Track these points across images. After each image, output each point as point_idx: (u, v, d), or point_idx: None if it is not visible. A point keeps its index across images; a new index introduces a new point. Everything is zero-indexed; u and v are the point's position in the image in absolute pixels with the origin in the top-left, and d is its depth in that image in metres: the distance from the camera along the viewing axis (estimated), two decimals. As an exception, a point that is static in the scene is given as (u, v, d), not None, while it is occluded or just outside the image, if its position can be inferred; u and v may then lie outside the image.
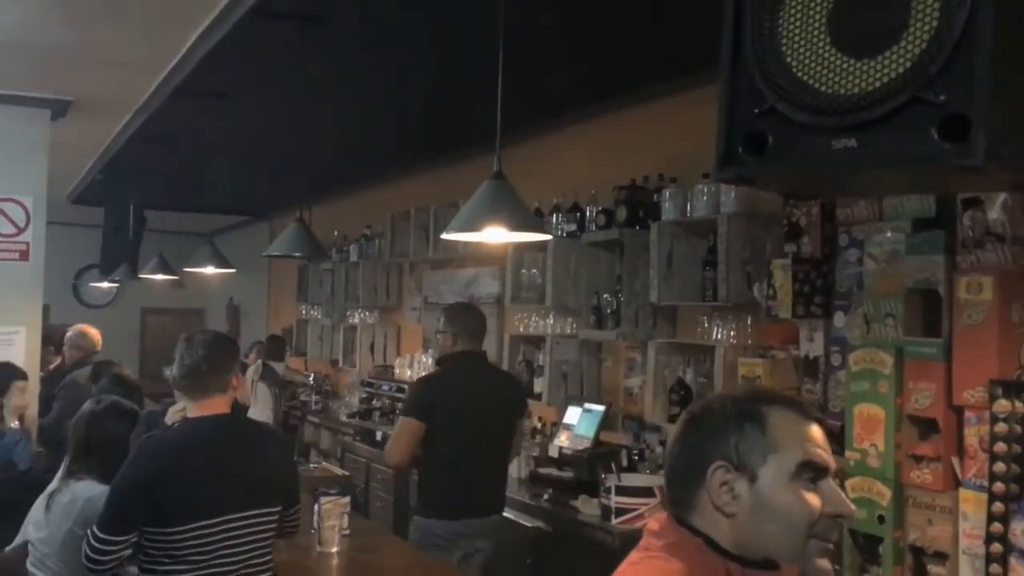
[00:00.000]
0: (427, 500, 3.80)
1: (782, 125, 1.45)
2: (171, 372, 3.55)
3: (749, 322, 3.87)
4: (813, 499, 1.25)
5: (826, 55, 1.40)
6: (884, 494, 2.84)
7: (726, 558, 1.25)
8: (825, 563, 1.28)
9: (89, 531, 2.67)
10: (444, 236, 2.65)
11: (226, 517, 2.69)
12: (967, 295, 2.70)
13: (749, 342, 3.85)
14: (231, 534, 2.71)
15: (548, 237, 2.64)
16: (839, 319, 3.21)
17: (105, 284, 10.59)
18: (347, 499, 3.39)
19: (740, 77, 1.49)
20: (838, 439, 3.09)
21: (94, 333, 6.47)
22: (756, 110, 1.47)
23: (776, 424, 1.28)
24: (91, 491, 3.00)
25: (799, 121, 1.42)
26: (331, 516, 3.21)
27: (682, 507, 1.30)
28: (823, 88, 1.40)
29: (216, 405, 2.81)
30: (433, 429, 3.71)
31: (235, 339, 3.75)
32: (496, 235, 2.65)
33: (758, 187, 1.51)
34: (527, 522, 4.33)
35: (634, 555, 1.30)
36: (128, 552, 2.68)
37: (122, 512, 2.69)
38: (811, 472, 1.26)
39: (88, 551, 2.66)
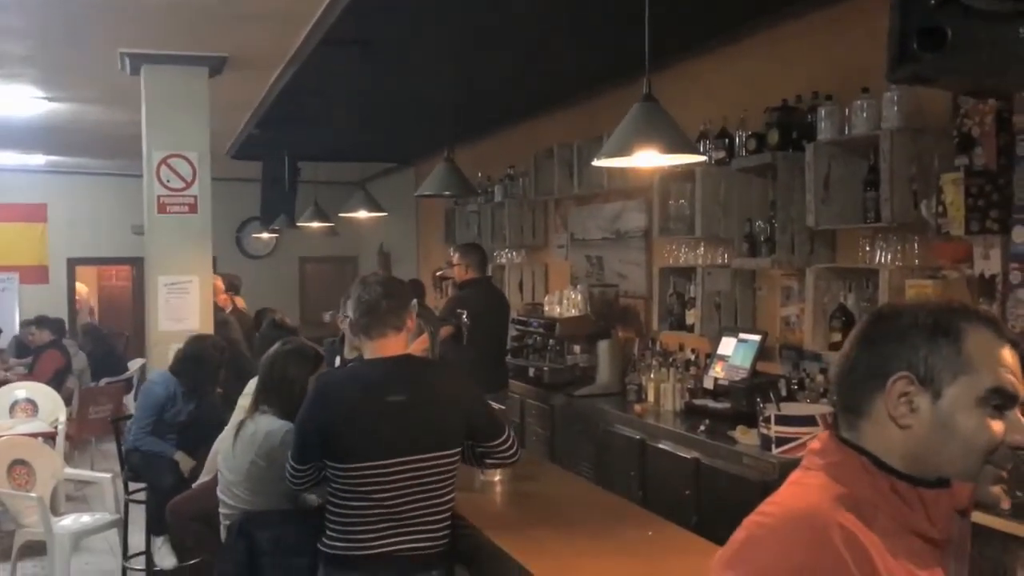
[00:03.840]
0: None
1: (962, 16, 1.35)
2: (341, 315, 3.70)
3: (916, 242, 3.68)
4: (997, 426, 1.19)
5: (1013, -66, 1.29)
6: (1072, 417, 2.67)
7: (893, 476, 1.20)
8: (999, 490, 1.22)
9: (288, 458, 2.91)
10: (595, 163, 2.61)
11: (402, 459, 2.76)
12: None
13: (916, 263, 3.67)
14: (408, 474, 2.77)
15: (703, 159, 2.56)
16: (1018, 234, 3.02)
17: (265, 235, 11.08)
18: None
19: (914, -32, 1.39)
20: (1019, 362, 2.93)
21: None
22: (932, 2, 1.37)
23: (973, 344, 1.20)
24: (271, 425, 3.19)
25: (982, 9, 1.32)
26: (492, 446, 3.29)
27: (853, 412, 1.24)
28: (1010, -29, 1.29)
29: (391, 345, 2.87)
30: (461, 330, 5.23)
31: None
32: (648, 159, 2.59)
33: (937, 86, 1.42)
34: (684, 453, 4.32)
35: (795, 474, 1.27)
36: (316, 475, 2.88)
37: (302, 444, 2.87)
38: (999, 399, 1.19)
39: (287, 476, 2.92)
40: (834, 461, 1.23)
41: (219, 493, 3.25)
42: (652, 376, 5.11)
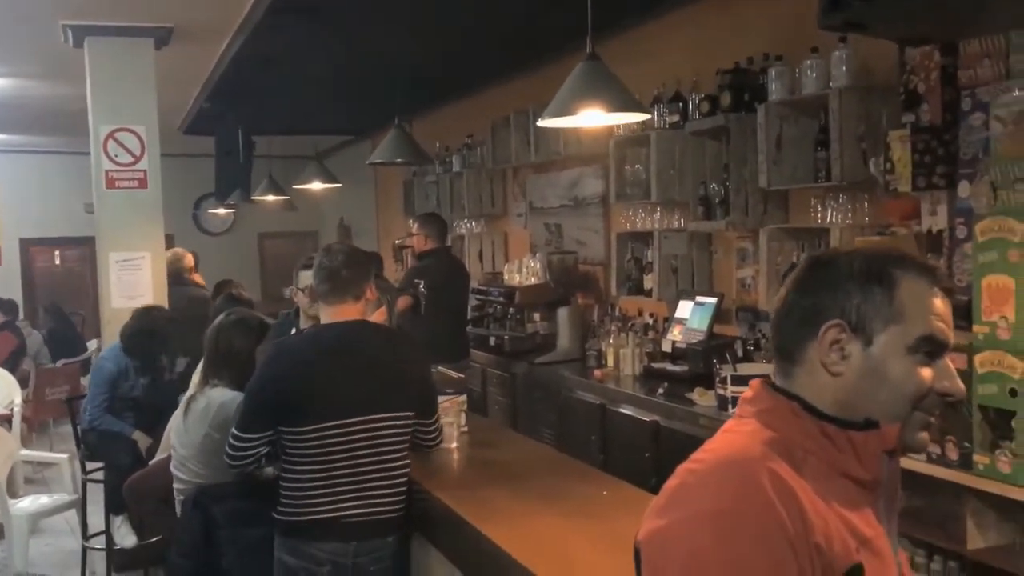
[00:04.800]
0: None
1: (893, -38, 1.34)
2: (294, 287, 3.67)
3: (866, 201, 3.71)
4: (926, 373, 1.20)
5: None
6: (1016, 367, 2.71)
7: (823, 420, 1.20)
8: (926, 436, 1.23)
9: (230, 432, 2.83)
10: (540, 123, 2.59)
11: (356, 419, 2.78)
12: (1106, 151, 2.51)
13: (867, 221, 3.70)
14: (362, 436, 2.79)
15: (647, 116, 2.53)
16: (964, 189, 3.04)
17: (222, 211, 10.94)
18: (463, 398, 3.47)
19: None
20: (964, 314, 2.96)
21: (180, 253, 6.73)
22: (863, -52, 1.36)
23: (905, 292, 1.20)
24: (223, 397, 3.16)
25: (912, -45, 1.31)
26: (448, 414, 3.29)
27: (786, 359, 1.25)
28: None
29: (349, 312, 2.90)
30: (419, 300, 5.22)
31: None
32: (593, 118, 2.58)
33: (870, 33, 1.41)
34: (644, 416, 4.34)
35: (728, 423, 1.28)
36: (265, 450, 2.81)
37: (254, 411, 2.83)
38: (929, 346, 1.20)
39: (227, 448, 2.83)
40: (765, 408, 1.23)
41: (173, 469, 3.22)
42: (611, 341, 5.13)
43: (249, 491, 3.06)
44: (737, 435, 1.22)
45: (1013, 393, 2.72)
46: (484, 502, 2.68)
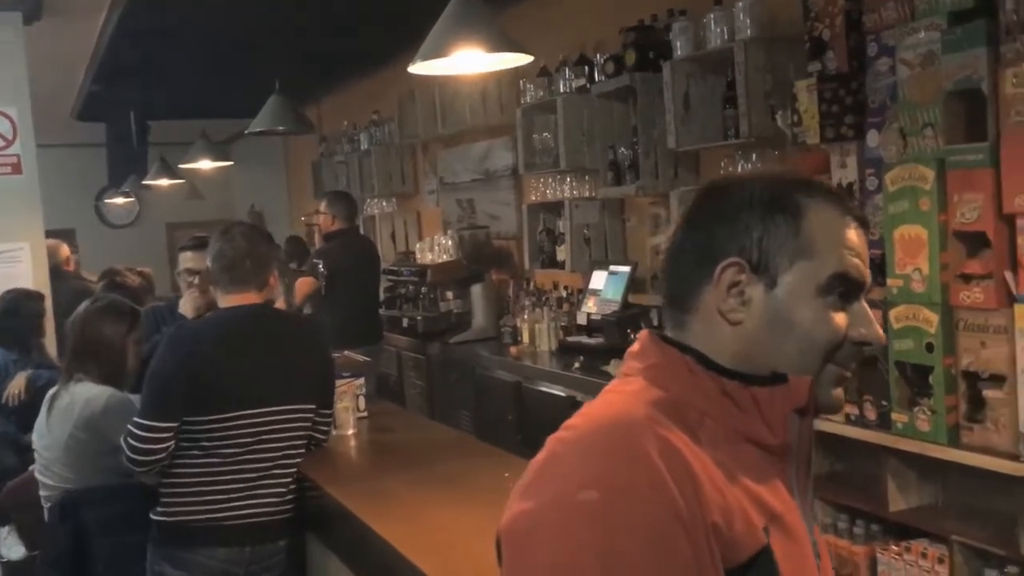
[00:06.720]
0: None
1: None
2: (180, 268, 3.40)
3: (776, 157, 3.57)
4: (840, 319, 1.00)
5: None
6: (931, 320, 2.61)
7: (723, 375, 1.00)
8: (840, 392, 1.04)
9: (129, 425, 2.52)
10: (411, 69, 2.35)
11: (262, 410, 2.58)
12: (1014, 88, 2.39)
13: (777, 178, 3.57)
14: (266, 428, 2.59)
15: (530, 59, 2.29)
16: (872, 138, 2.91)
17: (120, 200, 10.45)
18: (360, 381, 3.25)
19: None
20: (879, 268, 2.85)
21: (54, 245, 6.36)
22: None
23: (814, 222, 1.00)
24: (89, 392, 2.88)
25: None
26: (344, 398, 3.06)
27: (678, 307, 1.04)
28: None
29: (250, 299, 2.69)
30: (322, 281, 5.10)
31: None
32: (472, 61, 2.34)
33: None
34: (560, 392, 4.18)
35: (613, 383, 1.07)
36: (171, 446, 2.52)
37: (163, 396, 2.54)
38: (843, 287, 1.00)
39: (132, 442, 2.50)
40: (653, 363, 1.02)
41: (37, 474, 2.93)
42: (526, 317, 4.96)
43: (124, 494, 2.79)
44: (618, 395, 1.01)
45: (930, 348, 2.61)
46: (376, 495, 2.47)
